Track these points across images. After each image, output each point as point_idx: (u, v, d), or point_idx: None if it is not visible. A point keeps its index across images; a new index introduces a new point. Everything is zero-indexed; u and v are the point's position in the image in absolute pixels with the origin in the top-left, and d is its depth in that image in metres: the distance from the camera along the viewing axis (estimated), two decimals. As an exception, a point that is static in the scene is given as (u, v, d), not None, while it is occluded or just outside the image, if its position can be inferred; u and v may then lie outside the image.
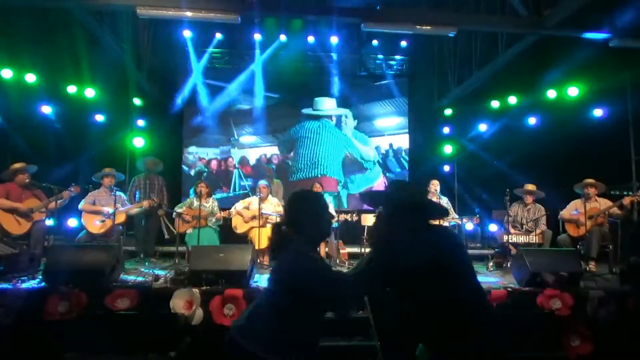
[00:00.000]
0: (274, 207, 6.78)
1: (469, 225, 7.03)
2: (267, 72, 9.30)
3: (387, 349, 3.94)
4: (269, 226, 6.62)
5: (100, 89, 7.77)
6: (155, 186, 6.88)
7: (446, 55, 9.04)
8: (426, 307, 2.06)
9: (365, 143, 9.69)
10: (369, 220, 7.48)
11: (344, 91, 9.64)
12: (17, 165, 5.72)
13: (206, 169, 9.39)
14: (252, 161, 9.58)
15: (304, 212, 2.17)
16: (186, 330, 3.88)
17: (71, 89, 7.59)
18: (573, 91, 7.49)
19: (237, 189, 9.33)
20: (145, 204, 6.32)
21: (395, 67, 9.81)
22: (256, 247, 5.96)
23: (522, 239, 6.21)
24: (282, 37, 8.93)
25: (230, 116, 9.54)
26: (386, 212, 2.25)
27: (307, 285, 1.98)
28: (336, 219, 6.73)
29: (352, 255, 7.10)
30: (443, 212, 2.42)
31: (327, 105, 9.70)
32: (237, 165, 9.46)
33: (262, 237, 6.04)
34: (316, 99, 9.65)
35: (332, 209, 6.84)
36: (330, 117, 9.69)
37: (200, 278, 4.31)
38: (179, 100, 9.32)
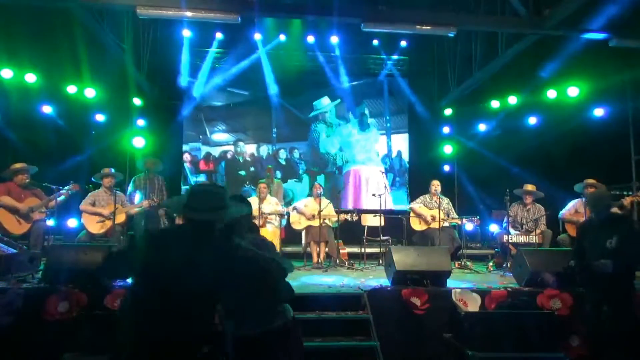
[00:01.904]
0: (273, 207, 6.79)
1: (469, 226, 7.04)
2: (265, 71, 9.31)
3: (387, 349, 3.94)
4: (269, 225, 6.65)
5: (100, 89, 7.75)
6: (155, 186, 6.88)
7: (446, 55, 9.04)
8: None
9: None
10: (369, 220, 7.48)
11: (343, 90, 9.66)
12: (18, 166, 5.72)
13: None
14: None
15: None
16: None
17: (71, 89, 7.57)
18: (573, 91, 7.47)
19: (182, 184, 9.45)
20: (145, 204, 6.32)
21: (395, 67, 9.81)
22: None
23: (522, 239, 6.22)
24: (282, 37, 8.94)
25: (202, 112, 9.61)
26: None
27: None
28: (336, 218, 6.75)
29: (352, 255, 7.10)
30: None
31: (323, 103, 9.85)
32: (186, 161, 9.51)
33: (262, 237, 6.03)
34: (314, 102, 9.84)
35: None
36: (324, 113, 9.87)
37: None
38: (178, 100, 9.32)
